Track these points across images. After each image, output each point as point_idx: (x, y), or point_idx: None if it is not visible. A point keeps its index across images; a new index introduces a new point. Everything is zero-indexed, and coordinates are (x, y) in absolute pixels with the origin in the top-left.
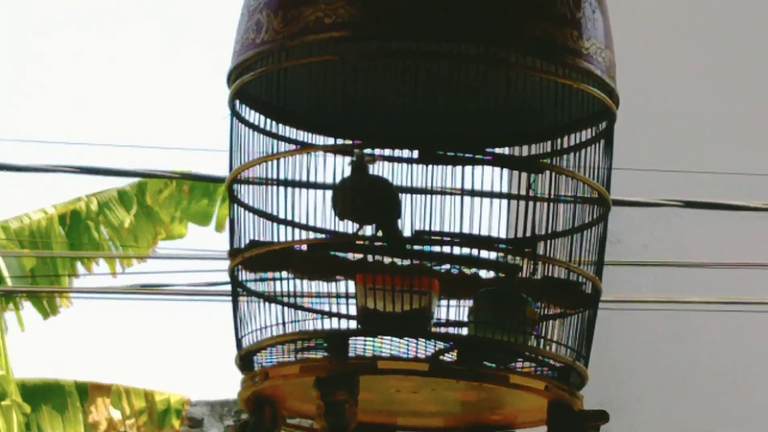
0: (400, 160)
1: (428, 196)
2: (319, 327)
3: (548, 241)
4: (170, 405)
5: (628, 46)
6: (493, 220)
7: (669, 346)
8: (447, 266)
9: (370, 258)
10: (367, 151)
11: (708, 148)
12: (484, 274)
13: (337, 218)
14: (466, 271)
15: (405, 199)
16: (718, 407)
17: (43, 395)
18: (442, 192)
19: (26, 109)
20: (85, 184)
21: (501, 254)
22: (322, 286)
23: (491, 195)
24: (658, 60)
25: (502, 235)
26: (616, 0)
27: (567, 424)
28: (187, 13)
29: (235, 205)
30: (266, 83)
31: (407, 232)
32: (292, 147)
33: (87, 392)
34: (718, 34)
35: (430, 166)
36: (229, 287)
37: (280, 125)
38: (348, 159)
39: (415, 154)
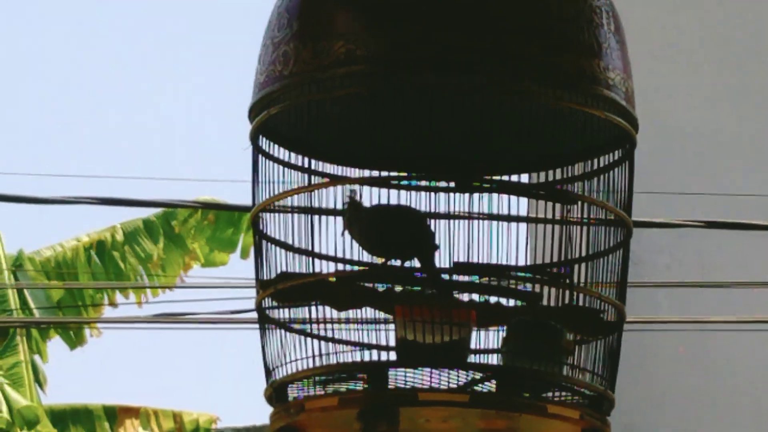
0: (437, 189)
1: (448, 223)
2: (355, 358)
3: (573, 267)
4: (199, 425)
5: (649, 69)
6: (511, 245)
7: (692, 367)
8: (477, 296)
9: (407, 289)
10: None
11: (727, 168)
12: (507, 302)
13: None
14: (491, 300)
15: (436, 226)
16: (742, 428)
17: (71, 420)
18: (469, 217)
19: (52, 144)
20: (112, 216)
21: (530, 283)
22: (355, 316)
23: (517, 219)
24: (680, 82)
25: (523, 261)
26: (635, 23)
27: None
28: (209, 43)
29: (261, 238)
30: (291, 115)
31: (440, 262)
32: (320, 179)
33: (116, 415)
34: (737, 55)
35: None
36: (252, 314)
37: (294, 154)
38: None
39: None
